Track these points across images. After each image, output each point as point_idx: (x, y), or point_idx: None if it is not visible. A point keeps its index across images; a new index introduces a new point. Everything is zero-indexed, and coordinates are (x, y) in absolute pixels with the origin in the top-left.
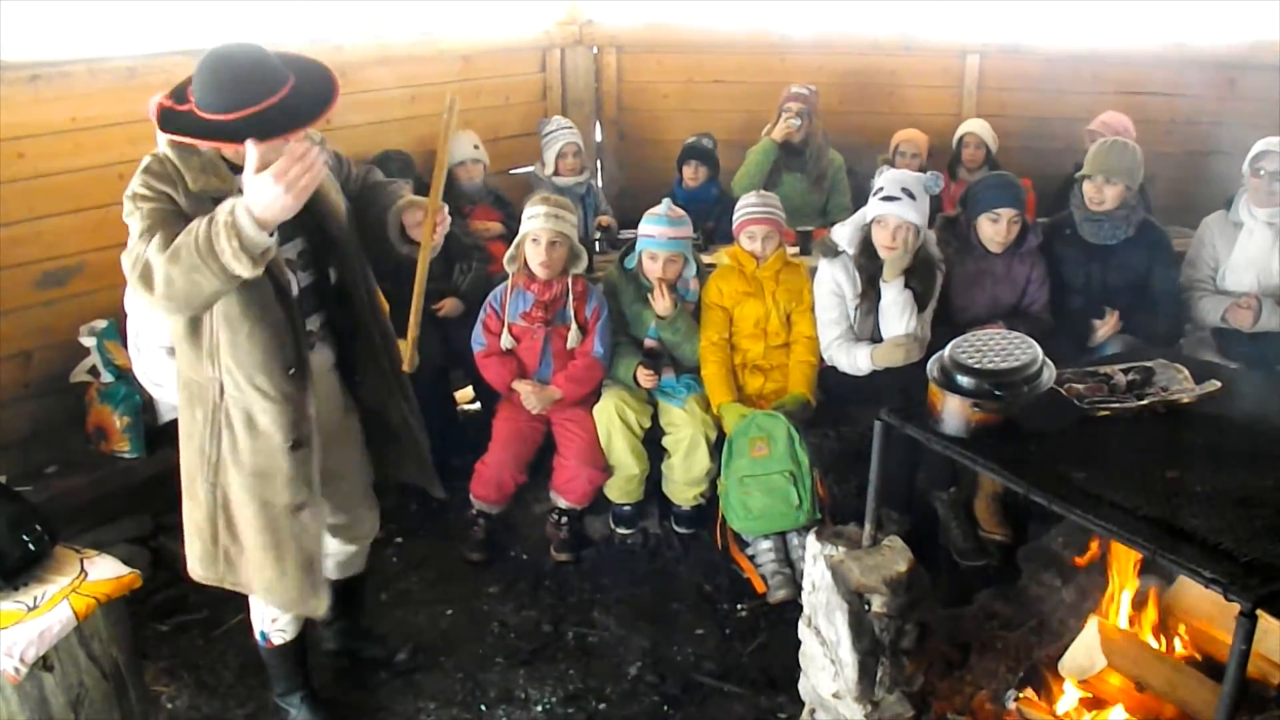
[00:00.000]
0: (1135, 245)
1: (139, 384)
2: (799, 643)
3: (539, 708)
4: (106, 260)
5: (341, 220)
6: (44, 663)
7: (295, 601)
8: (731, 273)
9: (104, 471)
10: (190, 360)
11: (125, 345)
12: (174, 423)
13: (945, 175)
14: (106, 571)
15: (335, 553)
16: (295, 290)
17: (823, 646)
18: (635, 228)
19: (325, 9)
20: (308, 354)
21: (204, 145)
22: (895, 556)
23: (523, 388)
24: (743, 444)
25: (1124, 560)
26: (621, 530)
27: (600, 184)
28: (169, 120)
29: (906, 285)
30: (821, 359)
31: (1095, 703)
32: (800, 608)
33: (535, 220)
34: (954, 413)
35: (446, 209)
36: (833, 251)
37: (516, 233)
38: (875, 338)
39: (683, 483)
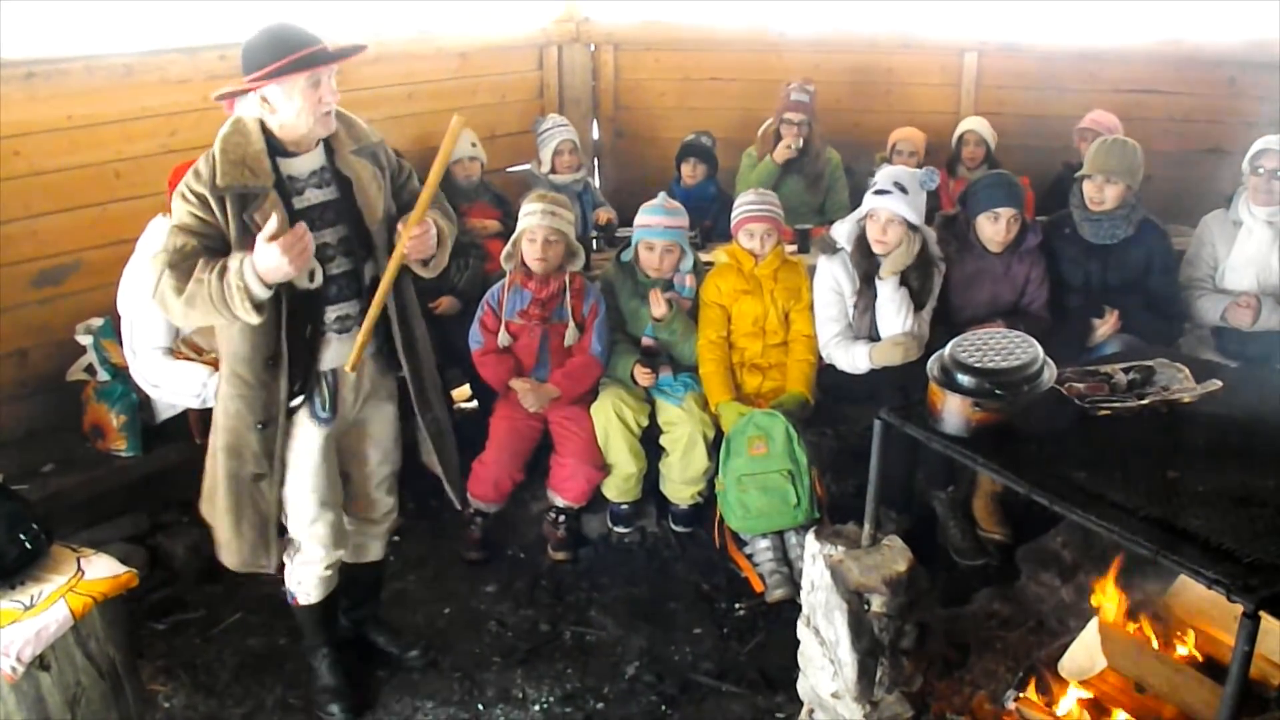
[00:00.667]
0: (1135, 244)
1: (135, 383)
2: (797, 642)
3: (536, 707)
4: (103, 258)
5: (376, 216)
6: (41, 662)
7: (246, 560)
8: (730, 271)
9: (101, 470)
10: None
11: (121, 344)
12: (170, 421)
13: (944, 173)
14: (103, 570)
15: (351, 534)
16: (318, 280)
17: (821, 646)
18: (633, 225)
19: (321, 7)
20: (284, 345)
21: (253, 90)
22: (895, 556)
23: (520, 386)
24: (741, 443)
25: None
26: (619, 529)
27: (598, 182)
28: (228, 94)
29: (904, 283)
30: (820, 357)
31: (1095, 704)
32: (798, 607)
33: (531, 217)
34: (954, 412)
35: (430, 229)
36: (832, 249)
37: (513, 230)
38: (873, 336)
39: (680, 481)
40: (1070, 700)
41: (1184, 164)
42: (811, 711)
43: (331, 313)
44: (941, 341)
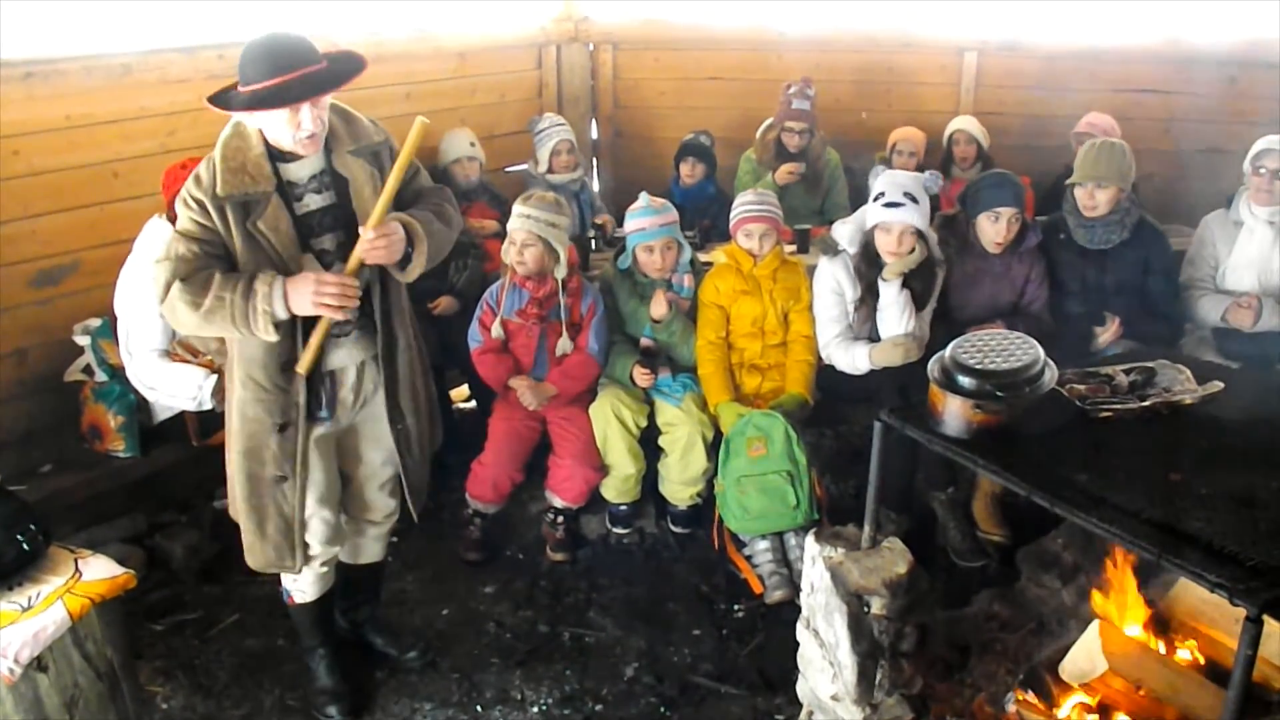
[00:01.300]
0: (1131, 247)
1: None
2: (796, 644)
3: (535, 709)
4: (101, 258)
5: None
6: (38, 663)
7: (272, 562)
8: (728, 271)
9: (98, 471)
10: (219, 343)
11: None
12: (168, 422)
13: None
14: (101, 571)
15: (350, 534)
16: None
17: (821, 648)
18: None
19: (321, 6)
20: (299, 349)
21: (243, 115)
22: (895, 558)
23: (518, 384)
24: (740, 444)
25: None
26: (618, 530)
27: (596, 182)
28: (218, 99)
29: (907, 285)
30: (819, 358)
31: (1097, 707)
32: (798, 608)
33: (514, 220)
34: (955, 414)
35: (395, 234)
36: (833, 250)
37: None
38: (873, 337)
39: (679, 482)
40: (1071, 703)
41: (1184, 164)
42: (811, 714)
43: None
44: (941, 341)
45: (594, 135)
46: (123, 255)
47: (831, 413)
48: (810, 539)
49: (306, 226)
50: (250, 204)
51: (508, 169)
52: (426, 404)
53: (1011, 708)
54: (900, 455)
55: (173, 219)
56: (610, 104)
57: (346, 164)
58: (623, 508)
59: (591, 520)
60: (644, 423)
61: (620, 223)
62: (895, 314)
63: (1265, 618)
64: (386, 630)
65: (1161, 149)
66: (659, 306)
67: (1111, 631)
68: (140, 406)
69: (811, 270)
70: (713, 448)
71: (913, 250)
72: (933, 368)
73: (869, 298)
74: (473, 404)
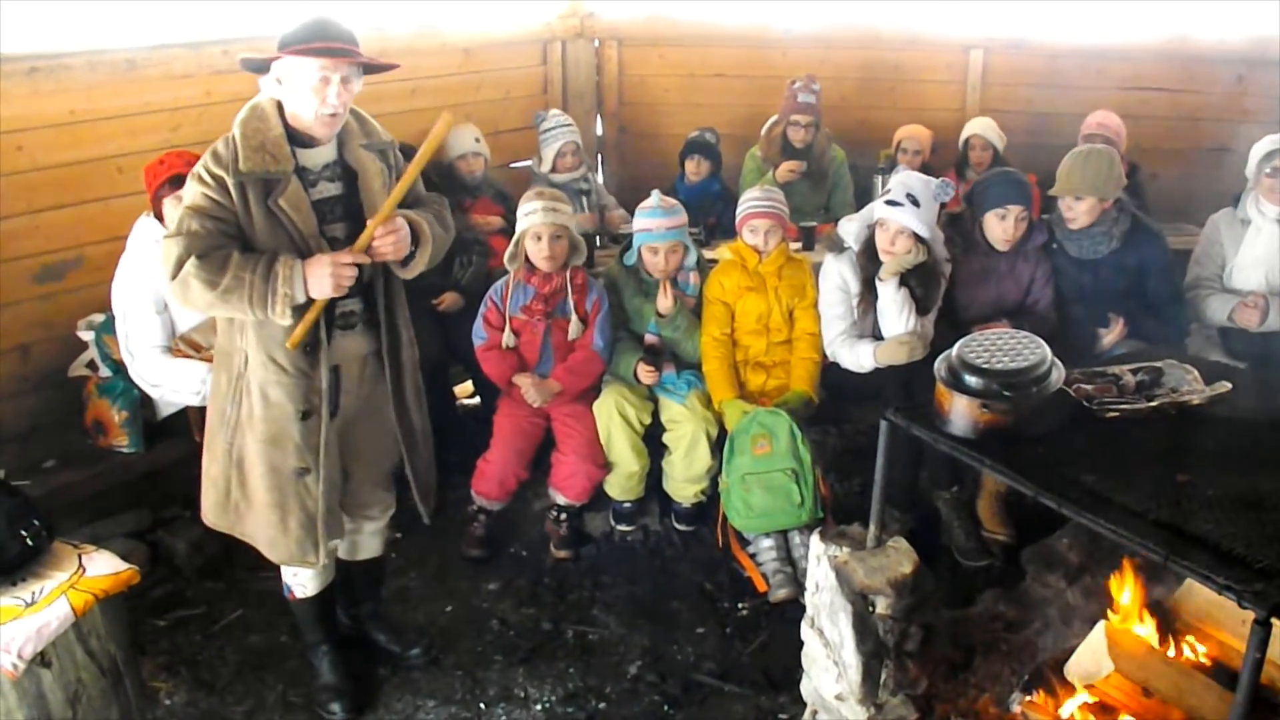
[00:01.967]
0: (1126, 252)
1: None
2: (800, 642)
3: (538, 706)
4: (105, 253)
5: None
6: (42, 659)
7: (295, 556)
8: (733, 267)
9: (102, 466)
10: (224, 328)
11: None
12: (172, 417)
13: (953, 175)
14: (104, 567)
15: (348, 531)
16: None
17: (826, 648)
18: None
19: (326, 2)
20: (323, 332)
21: (276, 67)
22: (900, 558)
23: (523, 381)
24: (744, 441)
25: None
26: (621, 527)
27: (601, 179)
28: (248, 61)
29: (906, 285)
30: (824, 355)
31: (1102, 707)
32: (802, 607)
33: (534, 216)
34: (962, 413)
35: (401, 229)
36: (839, 247)
37: (515, 226)
38: (876, 336)
39: (683, 480)
40: (1076, 704)
41: (1191, 162)
42: (815, 713)
43: (336, 308)
44: (947, 340)
45: (599, 132)
46: None
47: (836, 411)
48: (815, 538)
49: (319, 213)
50: (271, 182)
51: (512, 165)
52: (447, 394)
53: (1016, 708)
54: (905, 454)
55: (158, 215)
56: (615, 100)
57: (358, 156)
58: (626, 505)
59: (595, 517)
60: (648, 420)
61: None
62: (894, 313)
63: (1274, 620)
64: (389, 627)
65: (1168, 147)
66: (664, 300)
67: (1117, 632)
68: (144, 402)
69: (817, 267)
70: (717, 445)
71: (909, 252)
72: (939, 367)
73: (868, 294)
74: (477, 400)
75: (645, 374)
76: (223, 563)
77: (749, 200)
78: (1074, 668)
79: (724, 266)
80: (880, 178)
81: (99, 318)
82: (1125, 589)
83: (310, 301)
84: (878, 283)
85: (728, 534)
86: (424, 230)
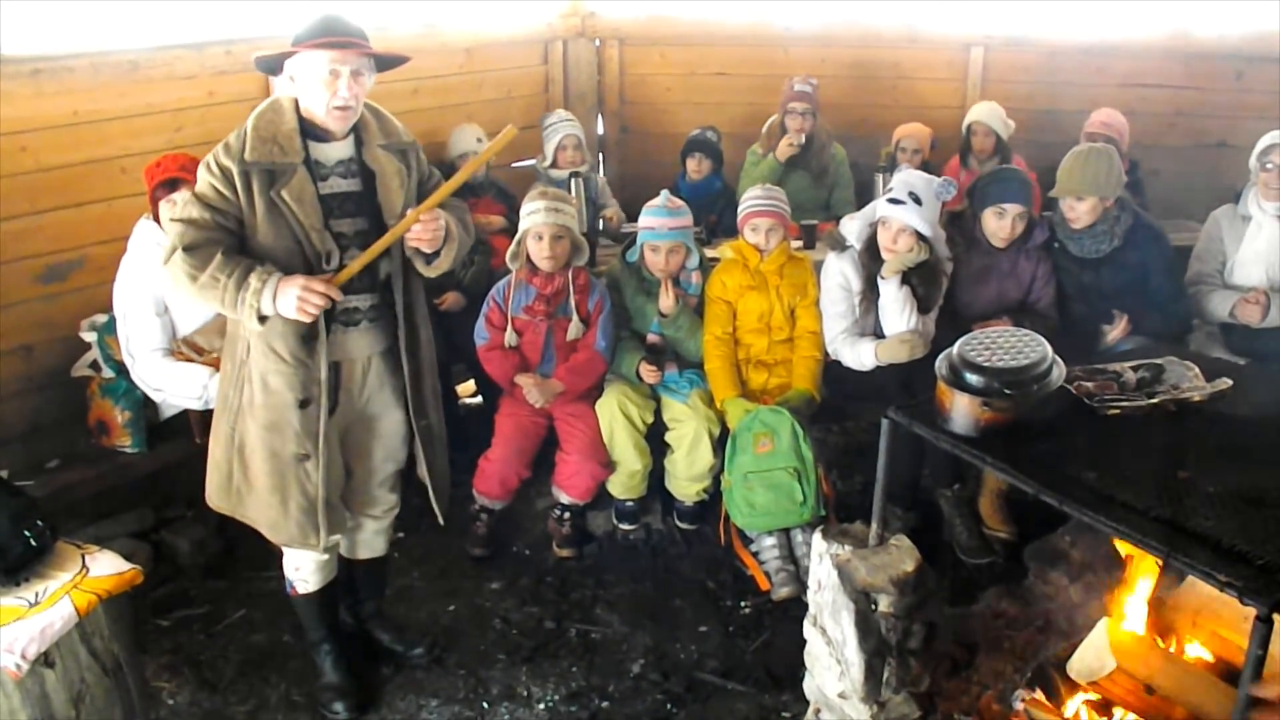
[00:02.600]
0: (1128, 251)
1: None
2: (803, 641)
3: (541, 705)
4: (108, 254)
5: (394, 212)
6: (45, 659)
7: (295, 539)
8: (735, 266)
9: (105, 466)
10: (212, 338)
11: None
12: (175, 418)
13: (956, 163)
14: (108, 567)
15: (350, 529)
16: (335, 263)
17: (828, 646)
18: (637, 221)
19: (328, 1)
20: (321, 324)
21: (288, 64)
22: (902, 556)
23: (525, 381)
24: (746, 440)
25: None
26: (624, 526)
27: (603, 177)
28: (262, 60)
29: (908, 283)
30: (826, 354)
31: (1104, 705)
32: (804, 605)
33: (536, 215)
34: (963, 411)
35: (440, 221)
36: (841, 245)
37: (518, 226)
38: (877, 334)
39: (686, 478)
40: (1079, 701)
41: (1191, 159)
42: (818, 711)
43: (341, 304)
44: (948, 338)
45: (600, 131)
46: None
47: (838, 409)
48: (817, 536)
49: (327, 207)
50: (276, 173)
51: (514, 165)
52: (449, 394)
53: (1019, 706)
54: (907, 452)
55: (156, 218)
56: (616, 100)
57: (376, 157)
58: (629, 504)
59: (598, 516)
60: (650, 419)
61: (629, 216)
62: (895, 311)
63: (1275, 617)
64: (392, 626)
65: (1168, 144)
66: (666, 300)
67: (1120, 629)
68: (147, 402)
69: (818, 266)
70: (719, 444)
71: (911, 250)
72: (940, 365)
73: (870, 293)
74: (479, 400)
75: (648, 374)
76: (225, 563)
77: (750, 199)
78: (1076, 665)
79: (725, 265)
80: (881, 176)
81: (101, 318)
82: (1127, 586)
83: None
84: (879, 281)
85: (730, 532)
86: (453, 230)
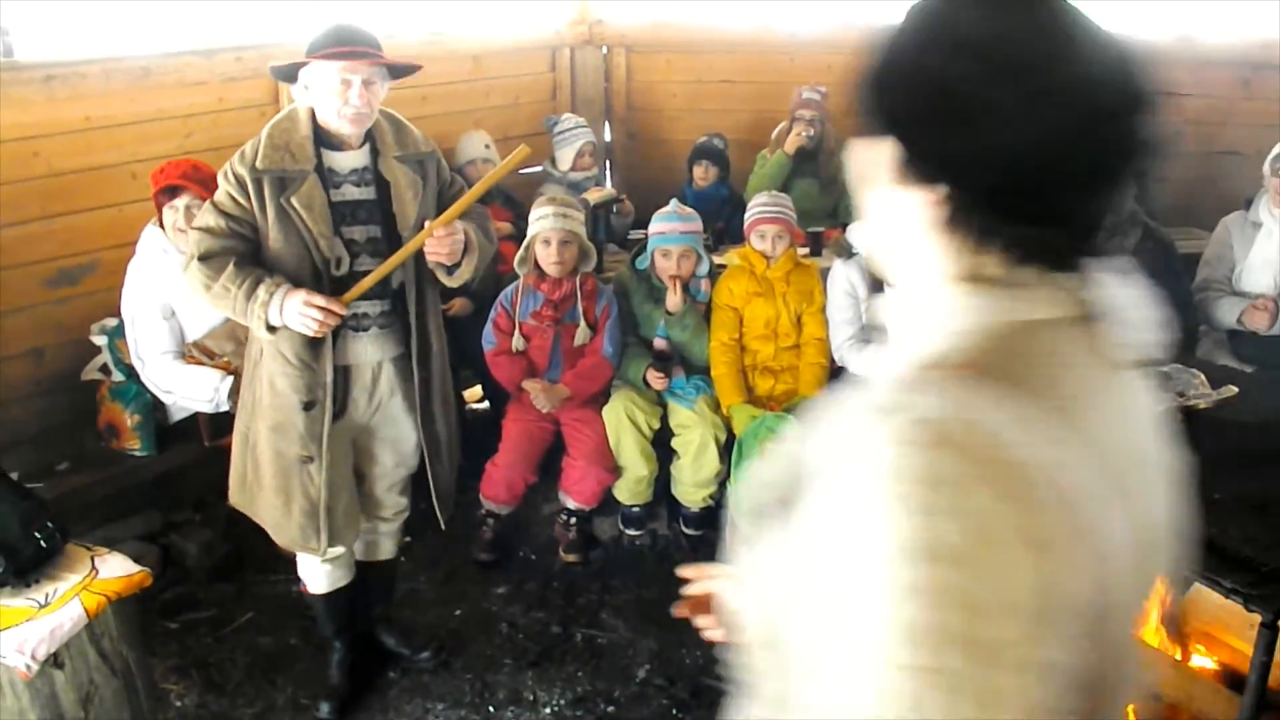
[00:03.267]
0: (1136, 261)
1: None
2: None
3: (547, 710)
4: (119, 258)
5: (408, 223)
6: (55, 660)
7: (296, 541)
8: (741, 273)
9: (115, 469)
10: (235, 344)
11: None
12: (184, 421)
13: None
14: (117, 569)
15: (364, 532)
16: (344, 269)
17: None
18: (645, 228)
19: (335, 9)
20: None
21: (303, 74)
22: None
23: (532, 387)
24: (753, 446)
25: None
26: (630, 531)
27: (610, 183)
28: (277, 69)
29: None
30: (833, 361)
31: None
32: None
33: (544, 221)
34: None
35: (458, 234)
36: (848, 252)
37: (525, 232)
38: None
39: (692, 484)
40: None
41: (1199, 166)
42: None
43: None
44: None
45: (607, 138)
46: None
47: None
48: None
49: (339, 214)
50: (287, 180)
51: (521, 171)
52: (457, 401)
53: None
54: None
55: (161, 224)
56: (623, 107)
57: (391, 167)
58: (635, 509)
59: (604, 522)
60: (657, 424)
61: (634, 224)
62: None
63: None
64: (399, 630)
65: (1174, 151)
66: (673, 298)
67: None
68: (156, 406)
69: (825, 273)
70: (725, 450)
71: None
72: None
73: (874, 297)
74: (486, 405)
75: (655, 380)
76: (234, 566)
77: (757, 206)
78: None
79: (732, 272)
80: None
81: (112, 322)
82: None
83: (322, 289)
84: (886, 288)
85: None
86: (473, 239)
